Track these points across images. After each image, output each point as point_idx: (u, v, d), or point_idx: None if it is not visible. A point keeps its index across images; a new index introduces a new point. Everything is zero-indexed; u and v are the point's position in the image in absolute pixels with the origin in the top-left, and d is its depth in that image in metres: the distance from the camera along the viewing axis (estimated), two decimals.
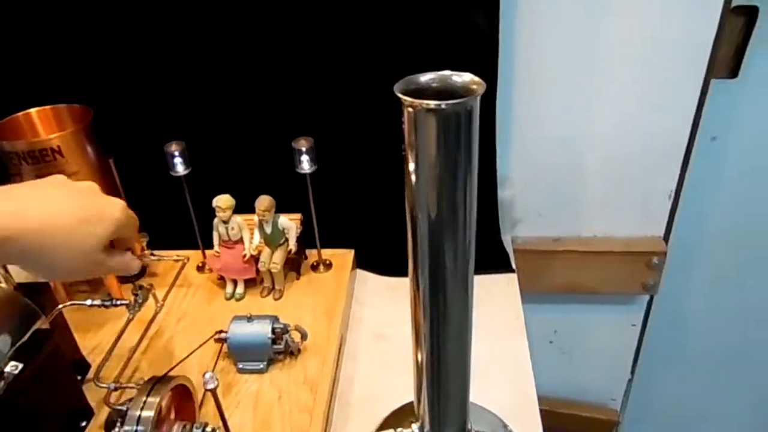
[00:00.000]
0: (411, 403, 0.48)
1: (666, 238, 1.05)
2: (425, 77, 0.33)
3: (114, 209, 0.50)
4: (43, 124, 0.84)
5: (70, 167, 0.78)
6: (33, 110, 0.83)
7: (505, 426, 0.48)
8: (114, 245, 0.54)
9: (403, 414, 0.47)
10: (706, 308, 1.23)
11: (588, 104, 0.92)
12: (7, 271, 0.70)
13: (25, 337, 0.64)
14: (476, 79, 0.32)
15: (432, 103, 0.31)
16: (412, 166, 0.34)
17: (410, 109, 0.31)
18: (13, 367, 0.60)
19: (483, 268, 0.78)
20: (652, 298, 1.14)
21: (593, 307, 1.18)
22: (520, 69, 0.89)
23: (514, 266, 0.98)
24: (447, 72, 0.32)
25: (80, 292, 0.91)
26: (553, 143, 0.96)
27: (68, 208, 0.45)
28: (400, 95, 0.31)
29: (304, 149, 0.82)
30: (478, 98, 0.32)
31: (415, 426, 0.43)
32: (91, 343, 0.81)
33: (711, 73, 0.88)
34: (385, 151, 0.92)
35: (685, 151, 0.95)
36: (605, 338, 1.22)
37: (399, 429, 0.43)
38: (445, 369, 0.39)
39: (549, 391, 1.27)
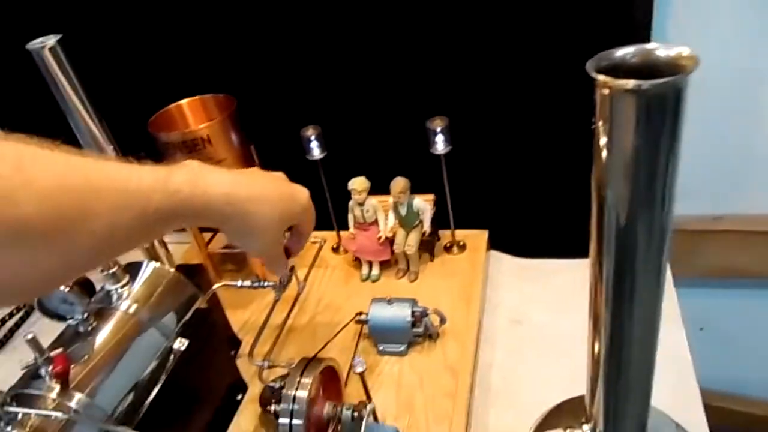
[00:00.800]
0: (572, 400, 0.45)
1: None
2: (621, 51, 0.28)
3: (304, 194, 0.59)
4: (193, 113, 0.89)
5: (218, 154, 0.82)
6: (184, 101, 0.88)
7: (677, 425, 0.44)
8: (291, 232, 0.62)
9: (562, 413, 0.44)
10: None
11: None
12: (168, 251, 0.75)
13: (188, 316, 0.69)
14: (686, 52, 0.27)
15: (631, 83, 0.26)
16: (603, 142, 0.30)
17: (605, 91, 0.27)
18: (180, 343, 0.65)
19: None
20: None
21: (753, 293, 1.06)
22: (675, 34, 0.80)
23: None
24: (649, 45, 0.28)
25: (226, 272, 0.96)
26: (716, 113, 0.86)
27: (270, 186, 0.54)
28: (594, 74, 0.27)
29: (438, 129, 0.80)
30: (688, 77, 0.27)
31: (586, 427, 0.40)
32: (240, 321, 0.86)
33: None
34: (521, 130, 0.88)
35: None
36: (765, 327, 1.10)
37: (568, 429, 0.40)
38: (627, 364, 0.35)
39: (703, 382, 1.17)
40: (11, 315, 1.01)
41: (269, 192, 0.53)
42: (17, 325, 1.00)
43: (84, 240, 0.37)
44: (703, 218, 0.97)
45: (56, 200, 0.35)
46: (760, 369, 1.14)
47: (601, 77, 0.27)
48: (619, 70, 0.28)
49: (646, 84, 0.26)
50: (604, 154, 0.30)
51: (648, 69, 0.27)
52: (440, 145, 0.81)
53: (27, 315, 1.02)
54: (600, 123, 0.29)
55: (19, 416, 0.51)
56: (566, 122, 0.86)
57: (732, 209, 0.95)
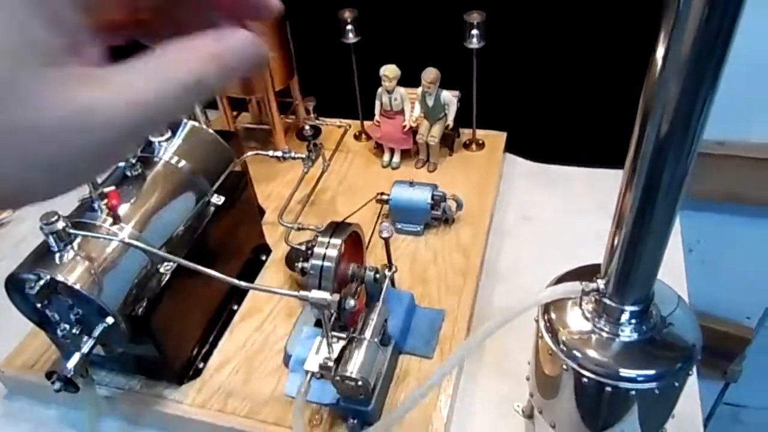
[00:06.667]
0: (587, 267, 0.50)
1: None
2: None
3: None
4: None
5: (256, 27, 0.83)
6: None
7: (679, 297, 0.50)
8: None
9: (576, 275, 0.49)
10: None
11: None
12: (207, 116, 0.78)
13: (225, 175, 0.72)
14: None
15: None
16: (661, 53, 0.32)
17: None
18: (217, 199, 0.69)
19: None
20: None
21: (747, 221, 1.11)
22: None
23: None
24: None
25: (250, 148, 1.00)
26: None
27: None
28: None
29: (476, 22, 0.81)
30: None
31: (600, 281, 0.45)
32: (264, 193, 0.90)
33: None
34: (554, 36, 0.89)
35: None
36: (754, 255, 1.16)
37: (584, 282, 0.45)
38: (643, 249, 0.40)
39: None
40: None
41: None
42: None
43: None
44: (707, 142, 1.00)
45: None
46: (740, 292, 1.22)
47: None
48: None
49: None
50: (660, 63, 0.33)
51: None
52: (475, 39, 0.83)
53: None
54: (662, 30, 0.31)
55: (78, 239, 0.56)
56: (601, 34, 0.87)
57: (736, 135, 0.98)
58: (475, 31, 0.82)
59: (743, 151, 0.99)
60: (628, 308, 0.45)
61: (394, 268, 0.67)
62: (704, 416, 0.66)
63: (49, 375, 0.57)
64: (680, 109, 0.35)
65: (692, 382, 0.65)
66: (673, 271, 0.77)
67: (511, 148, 0.99)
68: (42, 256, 0.56)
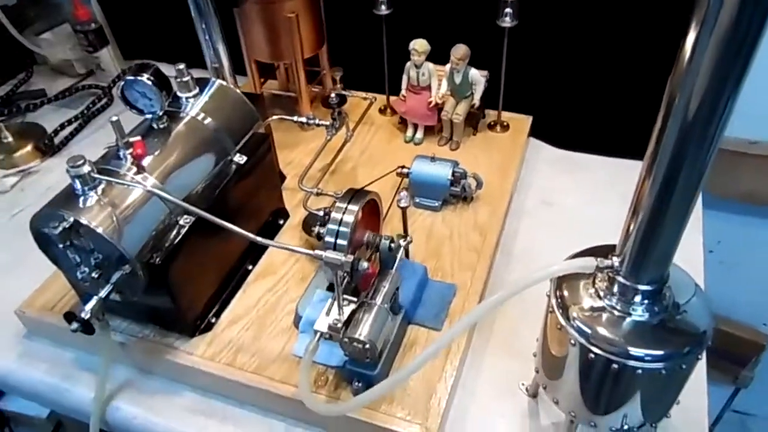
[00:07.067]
0: (603, 246, 0.49)
1: None
2: None
3: None
4: None
5: None
6: None
7: (696, 285, 0.49)
8: None
9: (591, 253, 0.49)
10: None
11: None
12: (235, 79, 0.78)
13: (247, 137, 0.73)
14: None
15: None
16: (690, 43, 0.32)
17: None
18: (240, 158, 0.70)
19: None
20: None
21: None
22: None
23: None
24: None
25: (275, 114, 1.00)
26: None
27: None
28: None
29: (509, 1, 0.81)
30: None
31: (615, 258, 0.45)
32: (285, 160, 0.90)
33: None
34: (587, 23, 0.88)
35: None
36: None
37: (599, 258, 0.45)
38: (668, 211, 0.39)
39: None
40: (65, 124, 1.07)
41: None
42: (72, 135, 1.06)
43: None
44: (739, 141, 0.99)
45: None
46: (759, 297, 1.20)
47: None
48: None
49: None
50: (687, 56, 0.32)
51: None
52: (508, 18, 0.82)
53: (81, 127, 1.07)
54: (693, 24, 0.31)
55: (102, 185, 0.57)
56: (634, 25, 0.85)
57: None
58: (508, 10, 0.82)
59: None
60: (642, 288, 0.45)
61: (409, 238, 0.68)
62: (710, 422, 0.65)
63: (67, 316, 0.59)
64: (704, 104, 0.35)
65: (701, 378, 0.65)
66: (690, 270, 0.76)
67: (536, 132, 0.98)
68: (66, 198, 0.57)
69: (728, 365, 1.30)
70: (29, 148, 1.01)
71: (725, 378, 1.32)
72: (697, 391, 0.63)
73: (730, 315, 1.25)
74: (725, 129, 0.36)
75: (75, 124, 1.07)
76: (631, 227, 0.43)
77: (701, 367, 0.64)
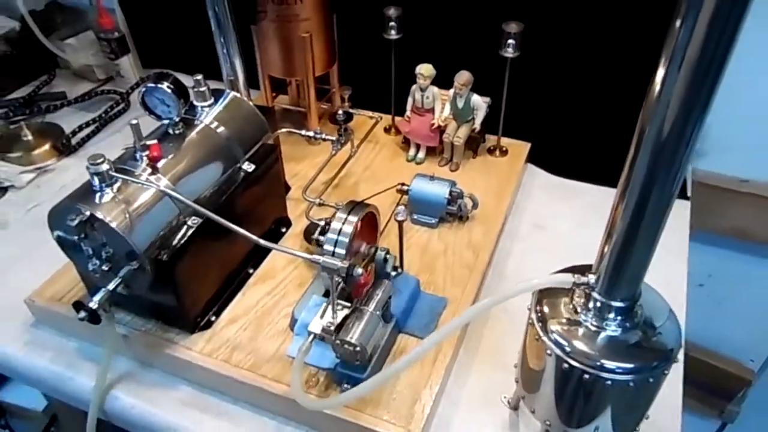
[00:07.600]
0: (583, 266, 0.53)
1: None
2: None
3: None
4: None
5: (304, 13, 0.88)
6: None
7: (671, 310, 0.52)
8: None
9: (570, 271, 0.52)
10: None
11: None
12: (249, 93, 0.83)
13: (256, 147, 0.77)
14: None
15: None
16: (661, 75, 0.36)
17: None
18: (248, 166, 0.74)
19: None
20: None
21: (760, 261, 1.12)
22: None
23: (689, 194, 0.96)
24: None
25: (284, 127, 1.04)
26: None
27: None
28: None
29: (513, 32, 0.85)
30: None
31: (591, 276, 0.48)
32: (291, 172, 0.94)
33: None
34: (585, 58, 0.92)
35: None
36: (764, 296, 1.16)
37: (576, 275, 0.49)
38: (637, 239, 0.43)
39: (687, 333, 1.25)
40: (83, 126, 1.11)
41: None
42: (88, 137, 1.10)
43: None
44: (730, 179, 1.02)
45: None
46: (745, 332, 1.22)
47: None
48: None
49: None
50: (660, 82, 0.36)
51: None
52: (510, 48, 0.86)
53: (98, 129, 1.12)
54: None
55: (118, 183, 0.61)
56: (636, 62, 0.90)
57: (761, 175, 1.00)
58: (511, 41, 0.86)
59: (766, 191, 1.01)
60: (615, 304, 0.48)
61: (402, 249, 0.71)
62: None
63: (76, 305, 0.62)
64: (672, 132, 0.38)
65: (677, 397, 0.67)
66: (672, 298, 0.79)
67: (534, 159, 1.02)
68: (84, 193, 0.61)
69: (714, 399, 1.32)
70: (47, 147, 1.06)
71: (711, 412, 1.34)
72: (672, 411, 0.65)
73: (718, 349, 1.27)
74: (691, 157, 0.40)
75: (92, 127, 1.11)
76: (606, 248, 0.46)
77: (677, 387, 0.67)
